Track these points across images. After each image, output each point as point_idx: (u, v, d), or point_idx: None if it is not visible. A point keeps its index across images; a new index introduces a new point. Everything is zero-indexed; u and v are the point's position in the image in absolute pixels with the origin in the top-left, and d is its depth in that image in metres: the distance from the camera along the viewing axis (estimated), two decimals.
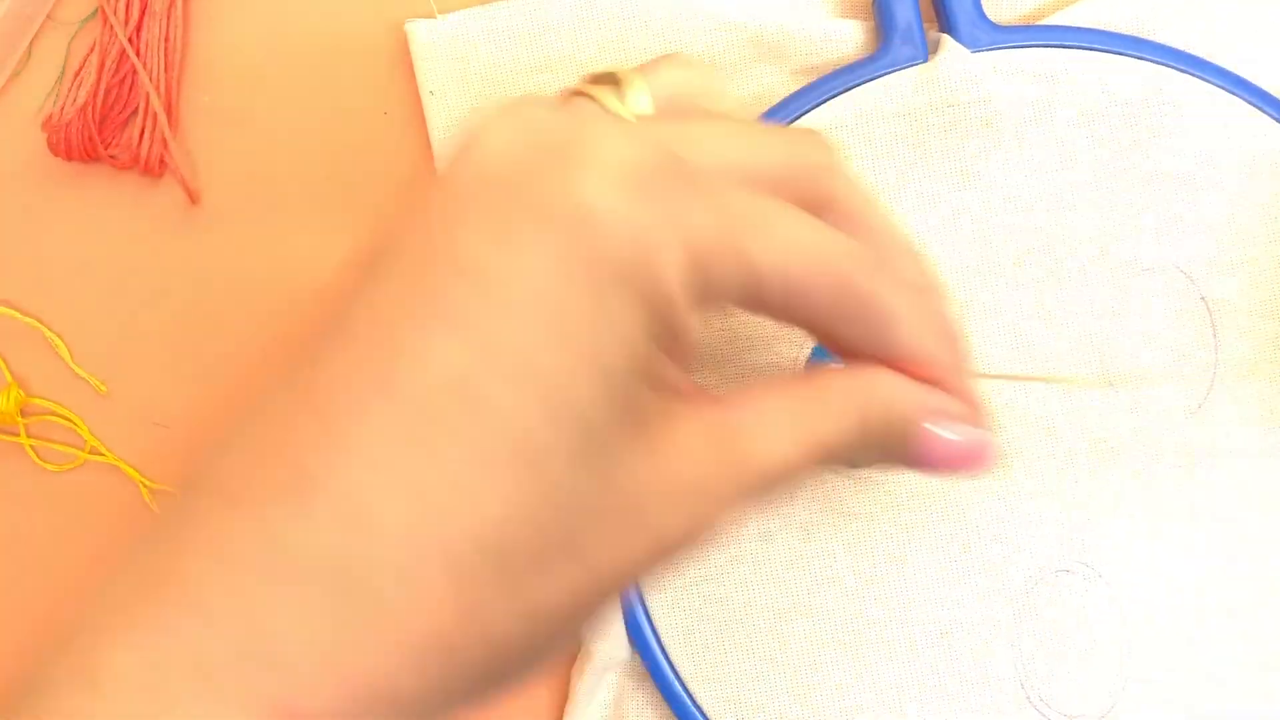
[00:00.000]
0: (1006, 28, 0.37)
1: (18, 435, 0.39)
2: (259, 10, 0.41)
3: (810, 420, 0.24)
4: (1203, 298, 0.36)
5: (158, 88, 0.40)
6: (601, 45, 0.38)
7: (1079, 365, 0.36)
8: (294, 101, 0.40)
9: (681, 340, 0.22)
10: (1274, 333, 0.36)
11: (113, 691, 0.18)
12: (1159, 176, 0.36)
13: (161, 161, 0.40)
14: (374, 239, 0.22)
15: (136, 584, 0.19)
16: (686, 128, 0.24)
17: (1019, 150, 0.37)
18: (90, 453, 0.39)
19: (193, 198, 0.40)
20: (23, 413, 0.39)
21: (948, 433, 0.25)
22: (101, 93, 0.40)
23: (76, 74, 0.41)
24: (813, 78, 0.38)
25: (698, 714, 0.35)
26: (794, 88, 0.38)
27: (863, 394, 0.24)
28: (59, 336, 0.40)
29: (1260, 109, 0.37)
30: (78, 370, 0.39)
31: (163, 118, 0.40)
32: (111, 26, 0.40)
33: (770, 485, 0.23)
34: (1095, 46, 0.37)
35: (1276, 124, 0.37)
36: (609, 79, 0.25)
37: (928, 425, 0.25)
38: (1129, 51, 0.37)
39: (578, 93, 0.25)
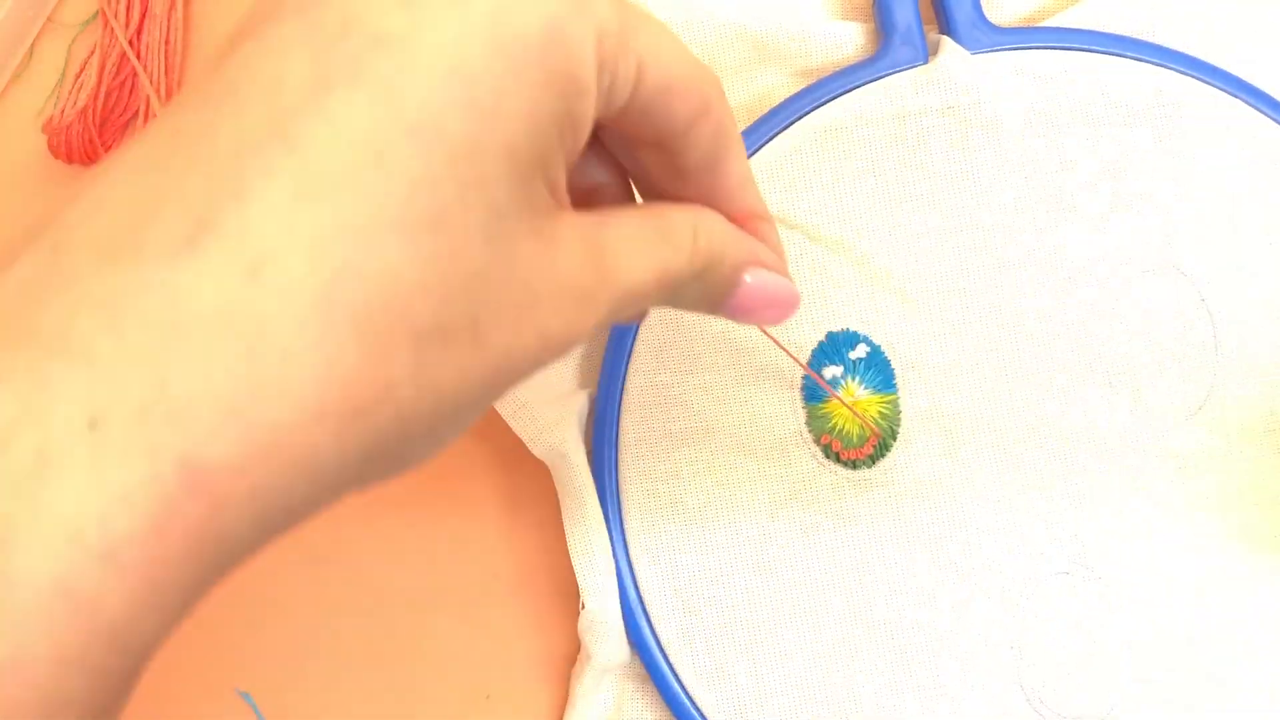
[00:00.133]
0: (1006, 29, 0.37)
1: None
2: None
3: (660, 249, 0.25)
4: (1203, 299, 0.36)
5: (158, 90, 0.40)
6: None
7: (1079, 365, 0.36)
8: None
9: (578, 136, 0.22)
10: (1274, 333, 0.36)
11: None
12: (1159, 177, 0.36)
13: None
14: (260, 6, 0.21)
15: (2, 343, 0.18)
16: None
17: (1019, 152, 0.37)
18: None
19: None
20: None
21: (769, 282, 0.27)
22: (102, 95, 0.40)
23: (77, 76, 0.41)
24: (813, 79, 0.38)
25: (697, 715, 0.35)
26: (794, 89, 0.38)
27: (701, 229, 0.26)
28: None
29: (1259, 110, 0.37)
30: None
31: None
32: (112, 29, 0.40)
33: (627, 303, 0.24)
34: (1095, 48, 0.37)
35: (1275, 125, 0.37)
36: None
37: (752, 273, 0.27)
38: (1128, 53, 0.37)
39: None
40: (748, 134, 0.37)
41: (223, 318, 0.18)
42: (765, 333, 0.34)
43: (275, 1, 0.21)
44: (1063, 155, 0.37)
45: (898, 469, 0.36)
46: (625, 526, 0.36)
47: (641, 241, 0.24)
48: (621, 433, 0.36)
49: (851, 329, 0.36)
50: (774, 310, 0.28)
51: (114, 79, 0.40)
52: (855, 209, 0.37)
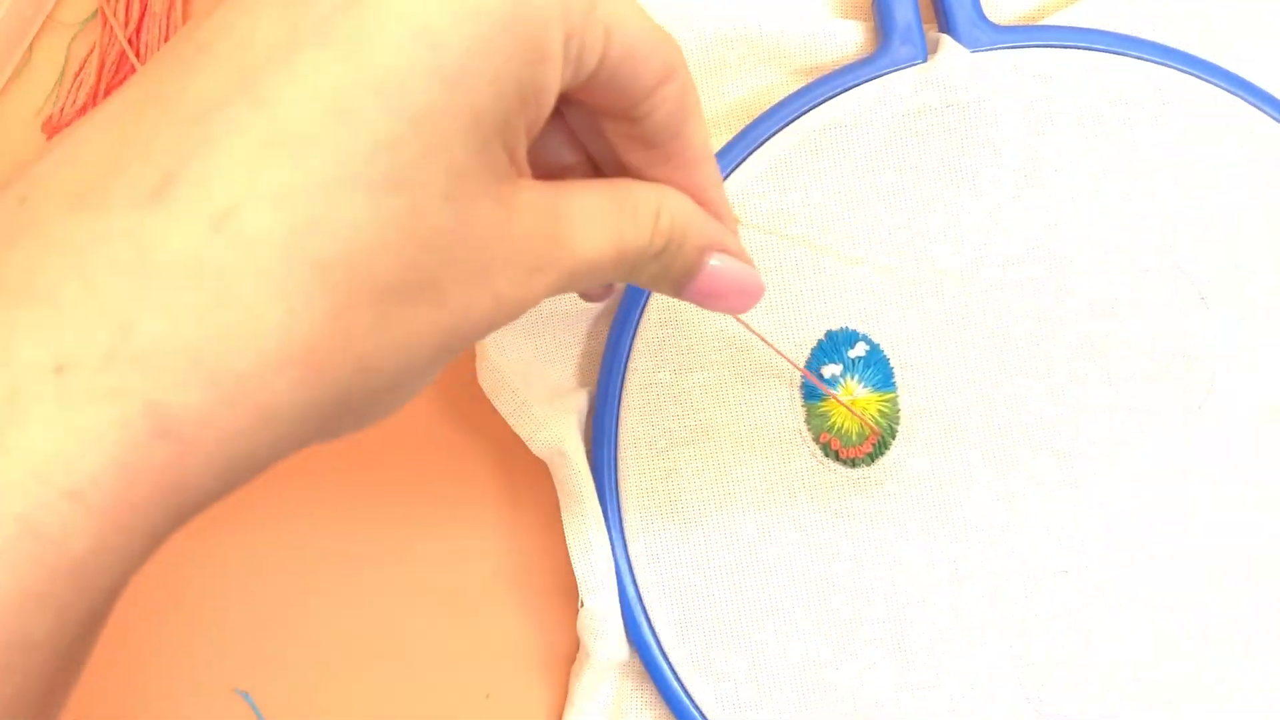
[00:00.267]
0: (1006, 28, 0.37)
1: None
2: None
3: (620, 223, 0.25)
4: (1203, 297, 0.36)
5: None
6: None
7: (1078, 364, 0.36)
8: None
9: (541, 104, 0.23)
10: (1274, 331, 0.36)
11: None
12: (1158, 176, 0.36)
13: None
14: None
15: None
16: None
17: (1018, 150, 0.37)
18: None
19: None
20: None
21: (732, 267, 0.28)
22: (101, 94, 0.40)
23: (77, 75, 0.41)
24: (812, 78, 0.38)
25: (696, 713, 0.35)
26: (793, 87, 0.38)
27: (665, 208, 0.26)
28: None
29: (1259, 108, 0.37)
30: None
31: None
32: (111, 28, 0.40)
33: (581, 273, 0.24)
34: (1094, 46, 0.37)
35: (1275, 123, 0.37)
36: None
37: (716, 257, 0.28)
38: (1128, 51, 0.37)
39: None
40: (748, 131, 0.37)
41: (188, 267, 0.18)
42: (754, 332, 0.34)
43: None
44: (1062, 153, 0.37)
45: (897, 467, 0.36)
46: (624, 524, 0.36)
47: (601, 214, 0.25)
48: (620, 431, 0.36)
49: (850, 327, 0.36)
50: (737, 297, 0.28)
51: (113, 77, 0.40)
52: (854, 207, 0.37)
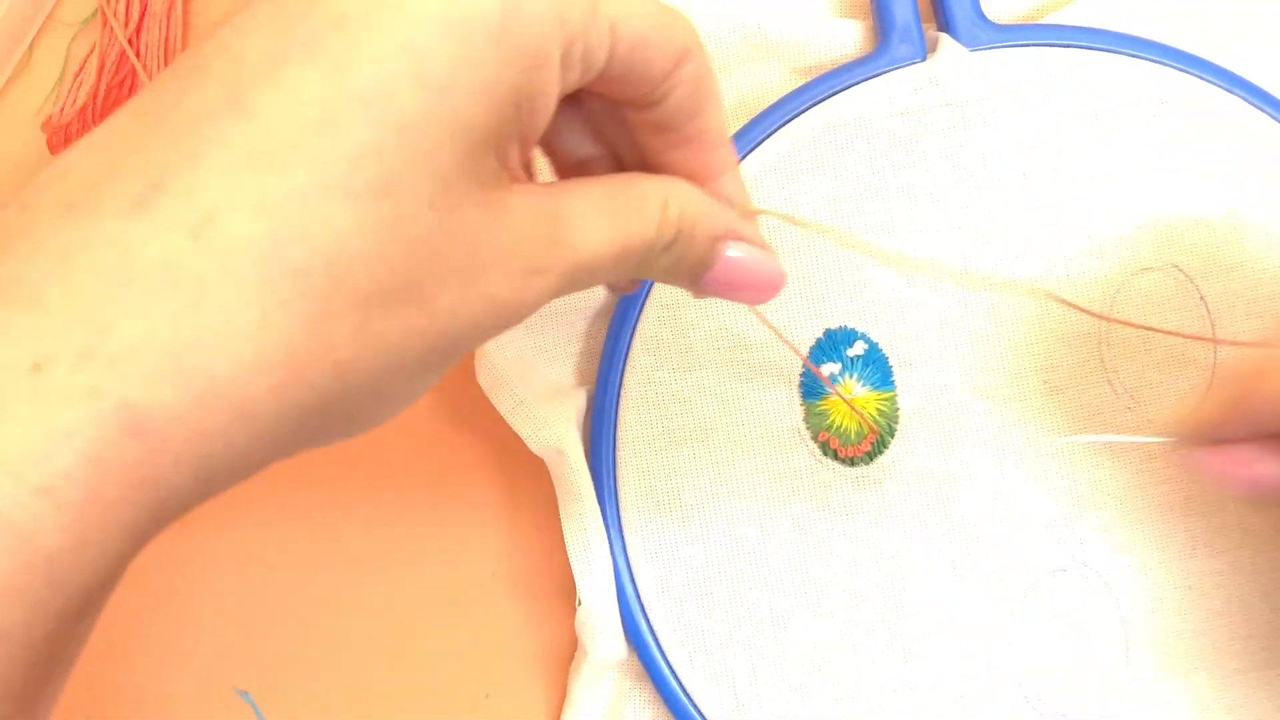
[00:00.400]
0: (1004, 26, 0.37)
1: None
2: None
3: (620, 217, 0.25)
4: (1201, 296, 0.36)
5: None
6: None
7: (1077, 363, 0.36)
8: None
9: (539, 110, 0.23)
10: (1272, 330, 0.36)
11: None
12: (1157, 174, 0.36)
13: None
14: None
15: None
16: None
17: (1017, 149, 0.37)
18: None
19: None
20: None
21: (750, 256, 0.28)
22: (101, 94, 0.40)
23: (76, 75, 0.41)
24: (811, 76, 0.38)
25: (695, 712, 0.35)
26: (793, 86, 0.38)
27: (673, 199, 0.26)
28: None
29: (1257, 106, 0.37)
30: None
31: None
32: (111, 28, 0.40)
33: (584, 272, 0.25)
34: (1093, 45, 0.37)
35: (1273, 121, 0.37)
36: None
37: (729, 249, 0.27)
38: (1127, 50, 0.37)
39: None
40: (747, 130, 0.37)
41: (166, 272, 0.19)
42: (764, 320, 0.33)
43: None
44: (1060, 152, 0.37)
45: (895, 466, 0.36)
46: (623, 523, 0.36)
47: (602, 211, 0.25)
48: (619, 430, 0.36)
49: (849, 326, 0.36)
50: (757, 288, 0.28)
51: (113, 77, 0.40)
52: (853, 206, 0.37)
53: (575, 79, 0.24)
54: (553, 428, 0.36)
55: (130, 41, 0.40)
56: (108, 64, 0.40)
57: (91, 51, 0.41)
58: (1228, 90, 0.37)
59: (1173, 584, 0.36)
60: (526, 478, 0.38)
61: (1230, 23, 0.39)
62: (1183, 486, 0.35)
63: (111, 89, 0.40)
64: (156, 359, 0.18)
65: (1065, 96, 0.37)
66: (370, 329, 0.21)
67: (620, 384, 0.36)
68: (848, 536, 0.36)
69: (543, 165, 0.30)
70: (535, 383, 0.36)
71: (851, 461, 0.36)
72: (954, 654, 0.35)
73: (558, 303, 0.37)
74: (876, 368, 0.36)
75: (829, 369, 0.36)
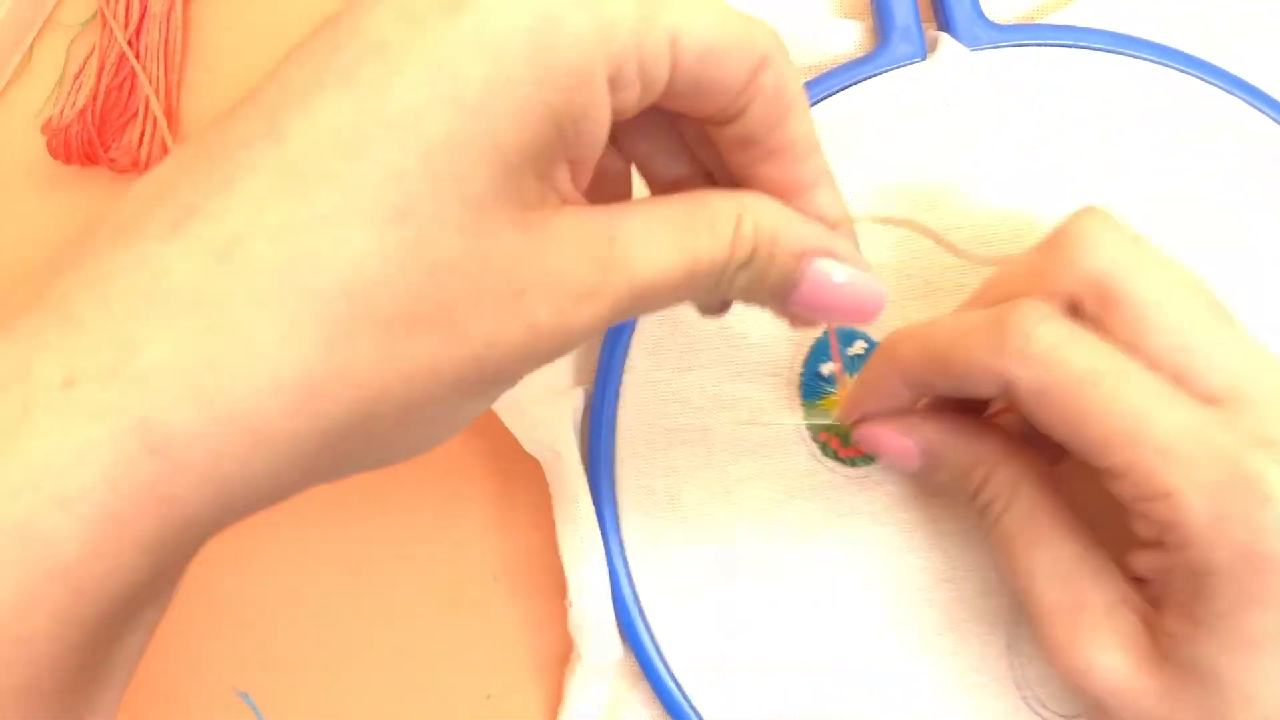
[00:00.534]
0: (1005, 26, 0.37)
1: None
2: (258, 15, 0.41)
3: (688, 235, 0.24)
4: None
5: (158, 91, 0.40)
6: None
7: None
8: None
9: (587, 129, 0.23)
10: (1276, 329, 0.36)
11: None
12: (1159, 176, 0.36)
13: None
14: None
15: (19, 305, 0.21)
16: None
17: (1017, 150, 0.37)
18: None
19: None
20: None
21: (839, 273, 0.26)
22: (101, 96, 0.40)
23: (76, 77, 0.41)
24: (811, 75, 0.38)
25: (692, 714, 0.35)
26: None
27: (748, 214, 0.25)
28: None
29: (1257, 107, 0.37)
30: None
31: (162, 121, 0.40)
32: (111, 30, 0.40)
33: (645, 295, 0.24)
34: (1094, 46, 0.37)
35: (1273, 122, 0.37)
36: None
37: (820, 263, 0.26)
38: (1128, 51, 0.37)
39: None
40: None
41: (192, 294, 0.19)
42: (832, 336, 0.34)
43: (323, 24, 0.23)
44: (1060, 153, 0.37)
45: (894, 466, 0.36)
46: (621, 524, 0.36)
47: (666, 230, 0.24)
48: (618, 430, 0.36)
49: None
50: (851, 311, 0.27)
51: (113, 79, 0.40)
52: (852, 205, 0.37)
53: (635, 98, 0.23)
54: (549, 428, 0.36)
55: (130, 43, 0.40)
56: (107, 65, 0.41)
57: (91, 53, 0.41)
58: (1226, 90, 0.37)
59: None
60: (524, 478, 0.38)
61: (1230, 23, 0.39)
62: None
63: (111, 90, 0.40)
64: (178, 379, 0.19)
65: (1066, 97, 0.37)
66: (393, 354, 0.21)
67: (618, 383, 0.36)
68: (847, 536, 0.36)
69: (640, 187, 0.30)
70: (531, 383, 0.36)
71: (851, 462, 0.36)
72: (952, 653, 0.35)
73: None
74: None
75: (829, 368, 0.36)
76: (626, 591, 0.36)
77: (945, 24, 0.38)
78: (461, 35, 0.21)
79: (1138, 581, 0.29)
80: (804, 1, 0.39)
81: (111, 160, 0.40)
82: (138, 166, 0.40)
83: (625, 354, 0.36)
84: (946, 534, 0.36)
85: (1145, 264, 0.28)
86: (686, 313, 0.36)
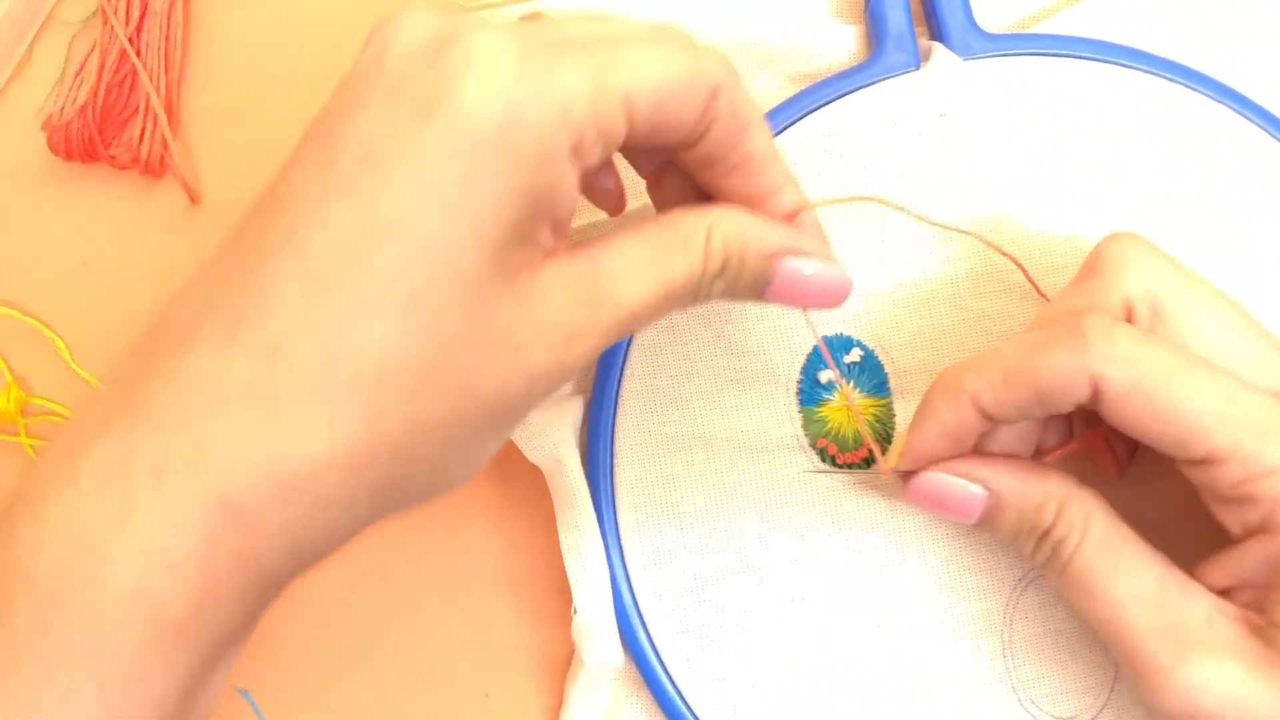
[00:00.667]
0: (998, 36, 0.38)
1: (18, 435, 0.39)
2: (258, 12, 0.41)
3: (662, 260, 0.27)
4: None
5: (158, 88, 0.40)
6: None
7: None
8: (294, 101, 0.40)
9: (558, 196, 0.26)
10: (1275, 328, 0.36)
11: (88, 488, 0.23)
12: (1156, 182, 0.37)
13: (162, 162, 0.40)
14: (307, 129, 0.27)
15: (110, 403, 0.25)
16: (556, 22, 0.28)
17: (1010, 158, 0.37)
18: None
19: (193, 198, 0.40)
20: (23, 413, 0.39)
21: (807, 267, 0.29)
22: (102, 93, 0.40)
23: (77, 74, 0.41)
24: (806, 84, 0.38)
25: (691, 719, 0.35)
26: (788, 94, 0.38)
27: (716, 229, 0.28)
28: (59, 337, 0.40)
29: (1245, 116, 0.37)
30: (78, 370, 0.40)
31: (163, 118, 0.40)
32: (112, 27, 0.40)
33: (630, 321, 0.27)
34: (1085, 55, 0.37)
35: (1261, 130, 0.37)
36: None
37: (788, 261, 0.29)
38: (1118, 60, 0.37)
39: None
40: None
41: (250, 393, 0.23)
42: (814, 333, 0.34)
43: (317, 126, 0.26)
44: (1054, 161, 0.37)
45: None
46: (621, 530, 0.36)
47: (643, 257, 0.27)
48: (617, 437, 0.36)
49: (845, 334, 0.36)
50: (820, 296, 0.29)
51: (114, 76, 0.40)
52: (847, 214, 0.37)
53: (598, 156, 0.26)
54: (549, 435, 0.36)
55: (131, 40, 0.40)
56: (108, 63, 0.40)
57: (92, 50, 0.41)
58: (1215, 100, 0.37)
59: None
60: (524, 483, 0.38)
61: (1230, 20, 0.39)
62: (1171, 499, 0.36)
63: (112, 88, 0.40)
64: (247, 464, 0.23)
65: (1057, 105, 0.37)
66: (419, 418, 0.24)
67: (618, 390, 0.37)
68: (844, 542, 0.36)
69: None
70: None
71: (848, 468, 0.36)
72: (948, 656, 0.36)
73: None
74: (872, 374, 0.36)
75: (826, 376, 0.36)
76: (626, 597, 0.36)
77: (938, 33, 0.38)
78: (438, 140, 0.24)
79: (1223, 594, 0.30)
80: (800, 10, 0.39)
81: (112, 157, 0.40)
82: (138, 163, 0.40)
83: (624, 362, 0.37)
84: (942, 539, 0.36)
85: (1186, 278, 0.31)
86: (685, 320, 0.36)
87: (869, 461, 0.36)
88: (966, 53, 0.37)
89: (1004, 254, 0.36)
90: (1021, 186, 0.37)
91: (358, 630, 0.38)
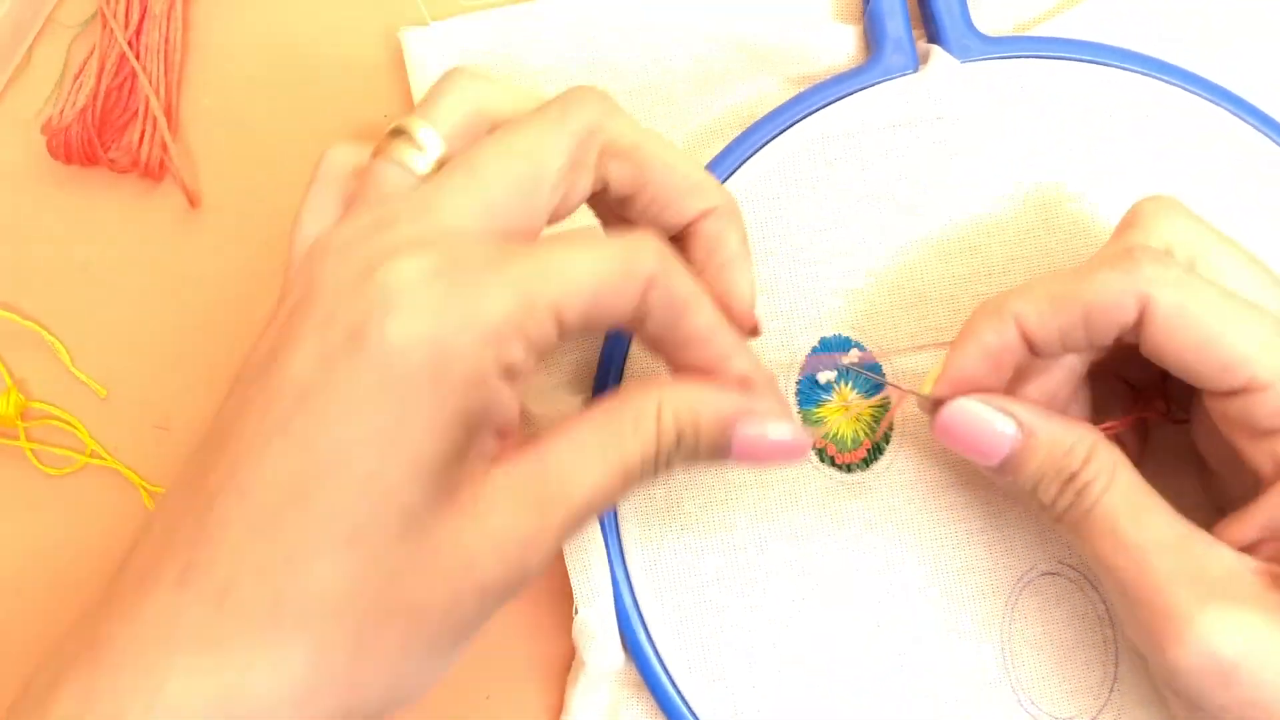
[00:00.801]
0: (995, 39, 0.38)
1: (18, 439, 0.39)
2: (258, 15, 0.41)
3: (614, 444, 0.27)
4: None
5: (157, 91, 0.40)
6: (594, 55, 0.38)
7: None
8: (293, 105, 0.41)
9: (493, 414, 0.26)
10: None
11: None
12: (1152, 183, 0.37)
13: (161, 165, 0.40)
14: (247, 357, 0.27)
15: (80, 642, 0.25)
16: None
17: (1007, 160, 0.37)
18: (90, 456, 0.39)
19: (193, 200, 0.40)
20: (23, 416, 0.39)
21: (763, 429, 0.29)
22: (101, 96, 0.40)
23: (76, 77, 0.41)
24: (805, 86, 0.38)
25: None
26: (786, 96, 0.38)
27: (665, 404, 0.28)
28: (59, 340, 0.40)
29: (1241, 117, 0.37)
30: (77, 373, 0.40)
31: (162, 121, 0.40)
32: (111, 30, 0.40)
33: (586, 512, 0.27)
34: (1081, 58, 0.37)
35: (1257, 131, 0.37)
36: (399, 133, 0.29)
37: (743, 427, 0.28)
38: (1114, 63, 0.37)
39: (378, 152, 0.29)
40: (740, 141, 0.37)
41: (201, 635, 0.24)
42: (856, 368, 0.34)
43: (254, 359, 0.26)
44: (1051, 164, 0.37)
45: (890, 472, 0.36)
46: (621, 531, 0.36)
47: (592, 446, 0.27)
48: None
49: (843, 335, 0.37)
50: (781, 456, 0.29)
51: (113, 79, 0.40)
52: (846, 216, 0.37)
53: (532, 364, 0.26)
54: None
55: (130, 43, 0.40)
56: (107, 66, 0.40)
57: (91, 53, 0.41)
58: (1211, 101, 0.37)
59: None
60: None
61: (1229, 21, 0.39)
62: (1171, 487, 0.36)
63: (111, 91, 0.40)
64: (200, 707, 0.23)
65: (1054, 108, 0.37)
66: (367, 647, 0.25)
67: None
68: (844, 542, 0.36)
69: None
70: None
71: (848, 468, 0.36)
72: (947, 657, 0.36)
73: None
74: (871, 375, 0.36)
75: (824, 377, 0.36)
76: (627, 599, 0.36)
77: (935, 36, 0.38)
78: (369, 375, 0.24)
79: (1245, 551, 0.30)
80: (799, 11, 0.39)
81: (111, 160, 0.40)
82: (137, 166, 0.40)
83: (623, 362, 0.37)
84: (942, 538, 0.36)
85: (1219, 237, 0.31)
86: None
87: (868, 461, 0.36)
88: (964, 55, 0.37)
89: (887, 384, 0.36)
90: (1018, 187, 0.37)
91: None
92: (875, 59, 0.38)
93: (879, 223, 0.37)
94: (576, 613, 0.36)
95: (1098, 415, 0.34)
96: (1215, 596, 0.28)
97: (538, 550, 0.26)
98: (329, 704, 0.25)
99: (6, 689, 0.38)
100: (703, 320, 0.28)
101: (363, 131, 0.40)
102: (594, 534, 0.36)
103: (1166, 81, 0.37)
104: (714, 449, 0.29)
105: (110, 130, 0.40)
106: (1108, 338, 0.30)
